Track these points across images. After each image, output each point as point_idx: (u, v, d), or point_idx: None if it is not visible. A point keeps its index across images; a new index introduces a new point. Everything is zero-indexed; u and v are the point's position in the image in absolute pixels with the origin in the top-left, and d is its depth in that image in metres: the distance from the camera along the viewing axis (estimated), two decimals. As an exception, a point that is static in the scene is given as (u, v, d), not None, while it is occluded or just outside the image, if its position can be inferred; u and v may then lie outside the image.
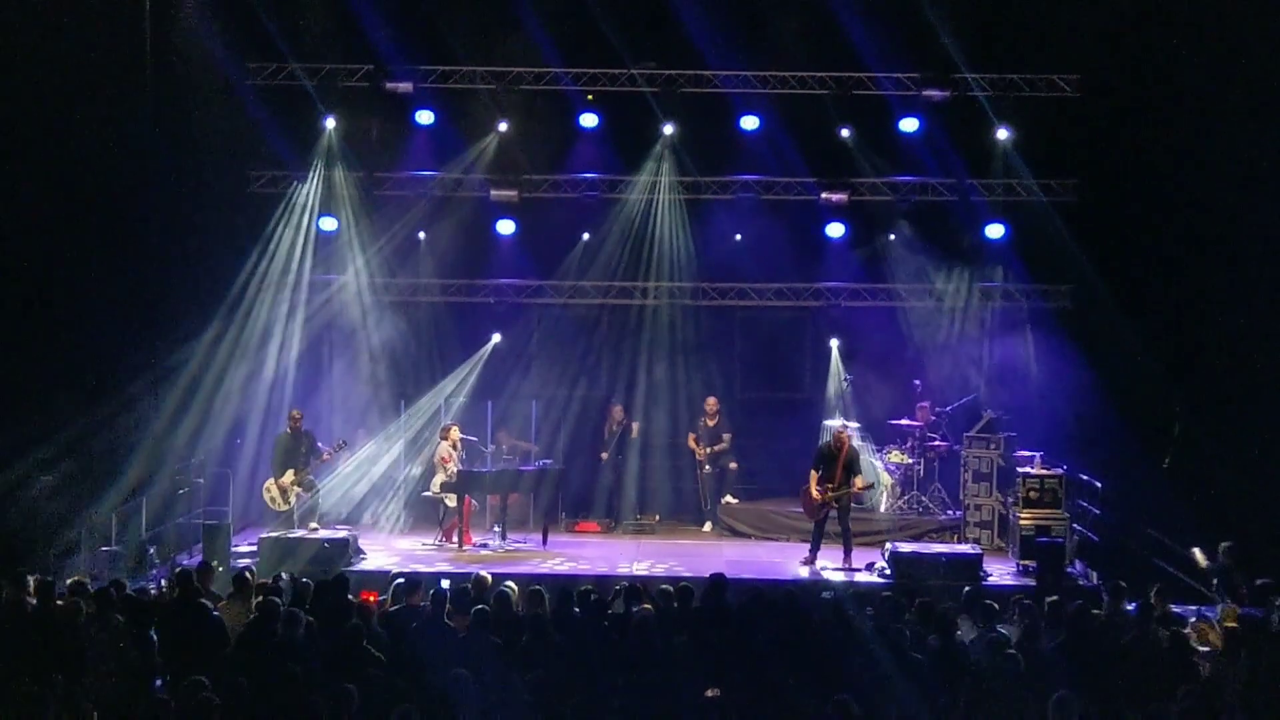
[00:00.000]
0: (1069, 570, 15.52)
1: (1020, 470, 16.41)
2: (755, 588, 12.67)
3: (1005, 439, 17.40)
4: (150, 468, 16.15)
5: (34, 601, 10.98)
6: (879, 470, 17.86)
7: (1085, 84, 17.84)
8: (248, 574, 12.16)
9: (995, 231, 18.60)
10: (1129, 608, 11.41)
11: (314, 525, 16.37)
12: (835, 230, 19.04)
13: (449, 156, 18.93)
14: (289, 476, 16.50)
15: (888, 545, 15.88)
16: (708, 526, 18.45)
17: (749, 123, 18.53)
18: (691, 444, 18.73)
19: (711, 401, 18.75)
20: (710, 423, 18.65)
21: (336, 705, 8.68)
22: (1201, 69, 15.96)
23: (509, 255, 19.41)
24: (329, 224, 18.87)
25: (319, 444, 16.80)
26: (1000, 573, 15.78)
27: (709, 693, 9.64)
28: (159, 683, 10.09)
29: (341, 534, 16.05)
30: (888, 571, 15.37)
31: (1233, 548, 13.37)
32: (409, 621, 10.70)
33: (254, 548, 15.85)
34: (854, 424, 17.90)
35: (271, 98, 18.19)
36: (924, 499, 17.87)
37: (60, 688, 9.39)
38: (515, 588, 11.81)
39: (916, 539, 16.97)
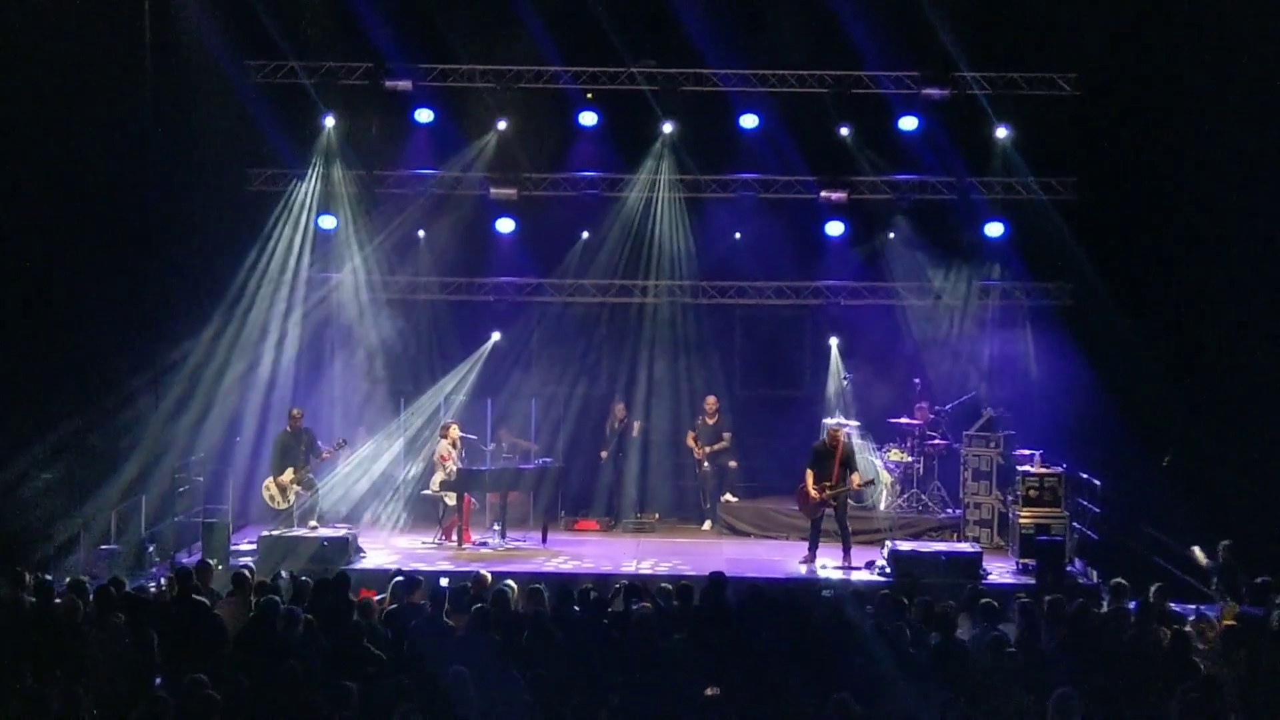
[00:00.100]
0: (1069, 568, 15.53)
1: (1020, 468, 16.42)
2: (755, 586, 12.67)
3: (1005, 437, 17.41)
4: (149, 465, 16.15)
5: (32, 600, 10.98)
6: (879, 468, 17.87)
7: (1084, 82, 17.83)
8: (246, 572, 12.15)
9: (995, 230, 18.62)
10: (1129, 606, 11.41)
11: (314, 524, 16.37)
12: (835, 229, 19.04)
13: (448, 155, 18.93)
14: (288, 475, 16.50)
15: (887, 544, 15.89)
16: (707, 525, 18.44)
17: (749, 121, 18.52)
18: (690, 443, 18.71)
19: (711, 400, 18.74)
20: (710, 421, 18.64)
21: (336, 703, 8.69)
22: (1201, 68, 15.97)
23: (508, 253, 19.40)
24: (328, 222, 18.87)
25: (318, 442, 16.80)
26: (1000, 571, 15.79)
27: (708, 691, 9.65)
28: (158, 681, 10.08)
29: (341, 532, 16.06)
30: (887, 570, 15.37)
31: (1232, 546, 13.36)
32: (408, 620, 10.70)
33: (253, 546, 15.85)
34: (854, 422, 17.93)
35: (271, 96, 18.19)
36: (924, 497, 17.87)
37: (59, 686, 9.38)
38: (515, 586, 11.81)
39: (916, 537, 16.97)
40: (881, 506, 17.82)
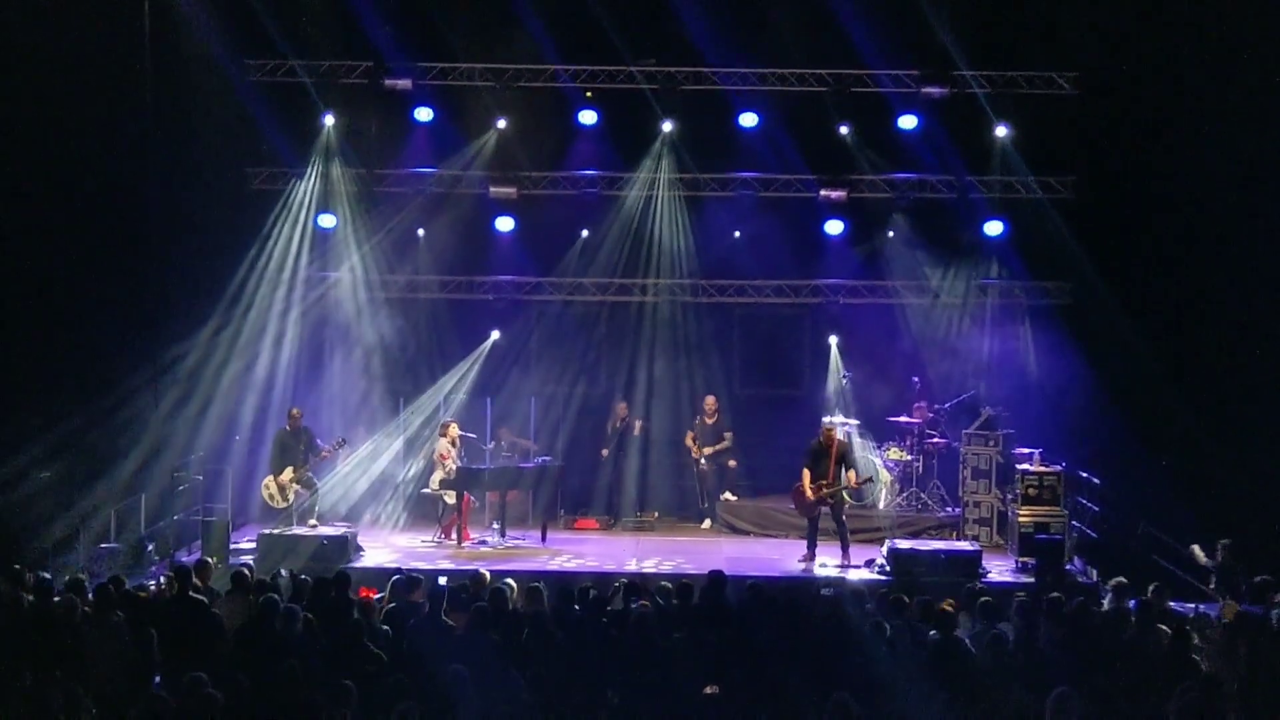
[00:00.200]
0: (1068, 567, 15.52)
1: (1019, 467, 16.41)
2: (754, 585, 12.63)
3: (1004, 436, 17.40)
4: (148, 464, 16.15)
5: (31, 598, 10.98)
6: (878, 467, 17.87)
7: (1084, 81, 17.85)
8: (246, 571, 12.15)
9: (994, 228, 18.62)
10: (1129, 605, 11.41)
11: (313, 522, 16.37)
12: (834, 227, 19.04)
13: (448, 153, 18.94)
14: (288, 474, 16.49)
15: (887, 542, 15.88)
16: (707, 523, 18.43)
17: (748, 120, 18.52)
18: (689, 443, 18.68)
19: (710, 400, 18.73)
20: (709, 421, 18.63)
21: (336, 702, 8.68)
22: (1201, 68, 15.98)
23: (508, 252, 19.41)
24: (328, 221, 18.87)
25: (318, 441, 16.79)
26: (999, 570, 15.77)
27: (708, 690, 9.65)
28: (157, 680, 10.08)
29: (341, 531, 16.05)
30: (887, 568, 15.36)
31: (1232, 545, 13.37)
32: (407, 619, 10.70)
33: (253, 545, 15.84)
34: (853, 421, 17.93)
35: (270, 94, 18.19)
36: (923, 496, 17.86)
37: (59, 685, 9.38)
38: (514, 585, 11.80)
39: (915, 536, 16.96)
40: (881, 505, 17.83)
